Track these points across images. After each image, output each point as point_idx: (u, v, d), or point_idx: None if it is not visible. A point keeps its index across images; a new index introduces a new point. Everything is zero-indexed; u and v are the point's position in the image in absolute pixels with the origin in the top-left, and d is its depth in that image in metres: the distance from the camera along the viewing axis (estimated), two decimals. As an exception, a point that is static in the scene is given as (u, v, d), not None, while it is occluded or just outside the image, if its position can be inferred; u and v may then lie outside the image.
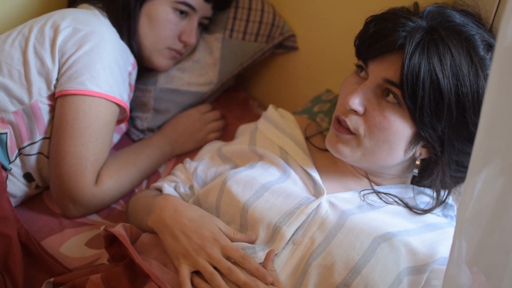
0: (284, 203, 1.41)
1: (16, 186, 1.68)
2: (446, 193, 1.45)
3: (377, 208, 1.42)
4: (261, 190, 1.44)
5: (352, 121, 1.37)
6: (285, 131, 1.63)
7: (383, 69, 1.34)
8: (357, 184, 1.50)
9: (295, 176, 1.50)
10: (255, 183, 1.46)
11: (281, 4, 2.09)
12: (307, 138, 1.64)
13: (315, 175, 1.48)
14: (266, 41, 2.07)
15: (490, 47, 1.33)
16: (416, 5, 1.42)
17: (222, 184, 1.48)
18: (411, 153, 1.38)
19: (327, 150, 1.56)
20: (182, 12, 1.86)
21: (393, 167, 1.43)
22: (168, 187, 1.61)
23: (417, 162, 1.41)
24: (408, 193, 1.48)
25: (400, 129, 1.33)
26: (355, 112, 1.36)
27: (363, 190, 1.46)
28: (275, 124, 1.66)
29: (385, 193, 1.45)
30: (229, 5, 2.06)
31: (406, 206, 1.43)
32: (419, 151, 1.39)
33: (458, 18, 1.34)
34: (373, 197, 1.45)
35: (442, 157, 1.36)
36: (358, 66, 1.43)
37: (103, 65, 1.64)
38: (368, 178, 1.49)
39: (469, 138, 1.33)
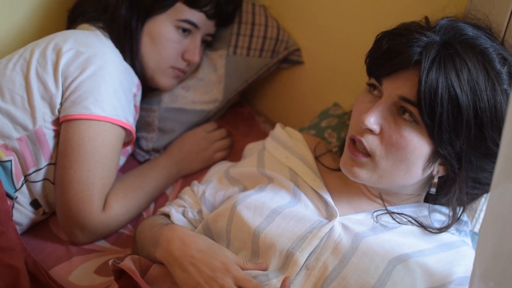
0: (296, 227, 1.39)
1: (23, 214, 1.65)
2: (461, 210, 1.42)
3: (391, 229, 1.40)
4: (272, 215, 1.41)
5: (369, 141, 1.35)
6: (294, 151, 1.61)
7: (398, 87, 1.31)
8: (369, 204, 1.48)
9: (306, 199, 1.47)
10: (265, 207, 1.43)
11: (285, 18, 2.07)
12: (316, 158, 1.61)
13: (327, 197, 1.46)
14: (271, 56, 2.05)
15: (505, 60, 1.31)
16: (427, 19, 1.40)
17: (232, 209, 1.46)
18: (429, 171, 1.35)
19: (337, 170, 1.54)
20: (185, 30, 1.84)
21: (410, 187, 1.41)
22: (176, 213, 1.59)
23: (435, 180, 1.38)
24: (422, 211, 1.45)
25: (418, 147, 1.31)
26: (370, 131, 1.34)
27: (376, 211, 1.43)
28: (283, 144, 1.64)
29: (398, 213, 1.42)
30: (232, 21, 2.04)
31: (421, 225, 1.41)
32: (437, 169, 1.36)
33: (470, 31, 1.32)
34: (387, 218, 1.42)
35: (460, 174, 1.33)
36: (370, 84, 1.40)
37: (107, 88, 1.61)
38: (381, 198, 1.46)
39: (487, 154, 1.31)
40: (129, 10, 1.80)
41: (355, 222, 1.40)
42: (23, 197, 1.64)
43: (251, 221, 1.41)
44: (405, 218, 1.41)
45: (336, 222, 1.38)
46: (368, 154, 1.35)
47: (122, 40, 1.79)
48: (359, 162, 1.37)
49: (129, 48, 1.79)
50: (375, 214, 1.42)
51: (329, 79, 2.00)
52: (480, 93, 1.25)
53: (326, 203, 1.45)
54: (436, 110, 1.25)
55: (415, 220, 1.41)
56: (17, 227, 1.60)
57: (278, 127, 1.71)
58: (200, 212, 1.59)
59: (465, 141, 1.28)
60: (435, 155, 1.32)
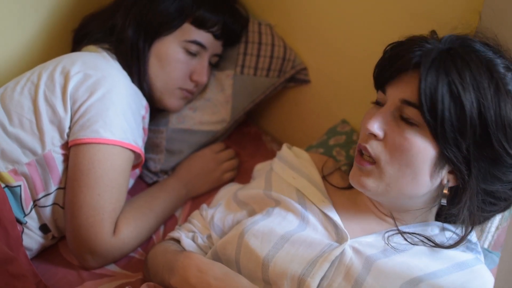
0: (306, 252, 1.37)
1: (32, 239, 1.64)
2: (470, 228, 1.39)
3: (402, 250, 1.37)
4: (281, 241, 1.39)
5: (373, 147, 1.34)
6: (301, 171, 1.59)
7: (400, 91, 1.32)
8: (380, 225, 1.45)
9: (314, 221, 1.45)
10: (273, 234, 1.41)
11: (291, 37, 2.06)
12: (324, 177, 1.60)
13: (336, 219, 1.44)
14: (278, 75, 2.04)
15: (510, 69, 1.30)
16: (433, 32, 1.40)
17: (240, 237, 1.44)
18: (438, 179, 1.33)
19: (345, 189, 1.53)
20: (192, 51, 1.83)
21: (420, 198, 1.38)
22: (186, 239, 1.58)
23: (445, 191, 1.35)
24: (434, 230, 1.43)
25: (423, 149, 1.29)
26: (375, 137, 1.34)
27: (387, 232, 1.41)
28: (290, 165, 1.62)
29: (410, 233, 1.40)
30: (239, 41, 2.03)
31: (434, 243, 1.38)
32: (446, 178, 1.33)
33: (478, 45, 1.32)
34: (398, 238, 1.40)
35: (470, 182, 1.30)
36: (376, 103, 1.41)
37: (116, 111, 1.60)
38: (392, 217, 1.44)
39: (495, 160, 1.28)
40: (136, 32, 1.80)
41: (366, 244, 1.38)
42: (32, 222, 1.63)
43: (259, 250, 1.39)
44: (417, 238, 1.39)
45: (347, 246, 1.36)
46: (373, 162, 1.35)
47: (130, 61, 1.78)
48: (366, 171, 1.36)
49: (136, 70, 1.79)
50: (386, 235, 1.40)
51: (336, 97, 2.00)
52: (483, 91, 1.24)
53: (335, 225, 1.43)
54: (438, 108, 1.24)
55: (428, 239, 1.38)
56: (27, 252, 1.59)
57: (285, 148, 1.70)
58: (209, 237, 1.58)
59: (471, 142, 1.26)
60: (441, 160, 1.30)
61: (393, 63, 1.34)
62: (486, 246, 1.55)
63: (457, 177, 1.32)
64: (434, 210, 1.45)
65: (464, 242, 1.39)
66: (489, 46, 1.35)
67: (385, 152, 1.33)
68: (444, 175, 1.33)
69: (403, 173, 1.32)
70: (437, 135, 1.27)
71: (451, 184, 1.34)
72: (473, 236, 1.44)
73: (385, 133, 1.33)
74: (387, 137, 1.33)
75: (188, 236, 1.59)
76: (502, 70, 1.29)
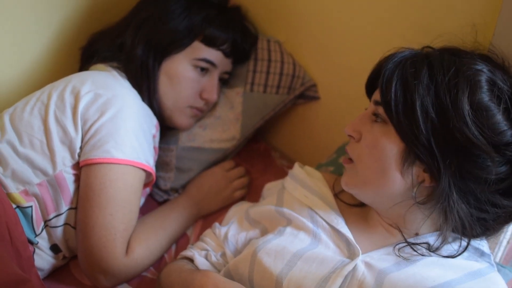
0: (318, 269, 1.37)
1: (43, 259, 1.63)
2: (477, 238, 1.40)
3: (414, 262, 1.36)
4: (294, 259, 1.40)
5: (352, 148, 1.43)
6: (313, 190, 1.59)
7: (376, 95, 1.39)
8: (389, 239, 1.45)
9: (326, 239, 1.45)
10: (286, 252, 1.41)
11: (300, 53, 2.06)
12: (335, 195, 1.60)
13: (348, 234, 1.44)
14: (288, 92, 2.04)
15: (488, 70, 1.31)
16: (426, 47, 1.43)
17: (252, 255, 1.44)
18: (409, 176, 1.33)
19: (357, 205, 1.54)
20: (202, 69, 1.83)
21: (398, 196, 1.37)
22: (199, 257, 1.57)
23: (415, 188, 1.34)
24: (439, 239, 1.40)
25: (387, 144, 1.33)
26: (354, 139, 1.42)
27: (397, 245, 1.40)
28: (302, 183, 1.62)
29: (419, 244, 1.39)
30: (249, 58, 2.03)
31: (438, 254, 1.37)
32: (422, 177, 1.33)
33: (464, 52, 1.36)
34: (409, 250, 1.39)
35: (442, 178, 1.28)
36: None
37: (127, 130, 1.60)
38: (399, 230, 1.43)
39: (461, 151, 1.27)
40: (145, 50, 1.80)
41: (377, 259, 1.38)
42: (43, 242, 1.62)
43: (273, 268, 1.39)
44: (425, 248, 1.38)
45: (359, 261, 1.36)
46: (351, 161, 1.43)
47: (139, 80, 1.78)
48: (347, 171, 1.45)
49: (146, 88, 1.79)
50: (396, 247, 1.40)
51: (346, 114, 1.98)
52: (438, 80, 1.28)
53: (347, 241, 1.43)
54: (391, 100, 1.30)
55: (430, 247, 1.37)
56: (39, 273, 1.58)
57: (297, 167, 1.70)
58: (223, 255, 1.58)
59: (431, 134, 1.27)
60: (409, 156, 1.31)
61: (372, 73, 1.45)
62: (497, 260, 1.54)
63: (431, 175, 1.32)
64: (438, 219, 1.41)
65: (463, 250, 1.36)
66: (485, 57, 1.36)
67: (359, 151, 1.40)
68: (416, 173, 1.33)
69: (373, 169, 1.36)
70: (396, 128, 1.31)
71: (427, 183, 1.33)
72: (485, 248, 1.43)
73: (361, 135, 1.40)
74: (362, 138, 1.40)
75: (201, 254, 1.59)
76: (477, 67, 1.29)
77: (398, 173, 1.33)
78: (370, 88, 1.49)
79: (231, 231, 1.61)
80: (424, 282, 1.30)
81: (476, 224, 1.35)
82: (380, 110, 1.35)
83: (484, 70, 1.30)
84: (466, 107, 1.24)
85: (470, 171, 1.28)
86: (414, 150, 1.29)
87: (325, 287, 1.32)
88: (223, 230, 1.62)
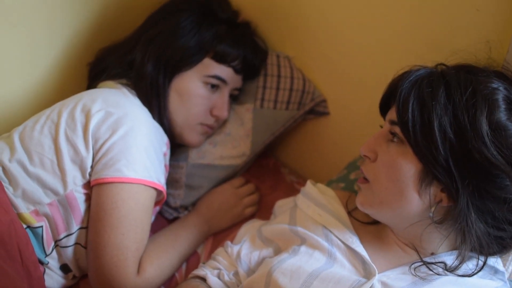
0: None
1: (54, 279, 1.62)
2: (492, 257, 1.38)
3: (431, 281, 1.35)
4: (310, 279, 1.38)
5: (367, 168, 1.41)
6: (327, 208, 1.58)
7: (391, 114, 1.38)
8: (405, 258, 1.44)
9: (341, 258, 1.44)
10: (302, 272, 1.40)
11: (310, 69, 2.05)
12: (349, 213, 1.58)
13: (364, 254, 1.42)
14: (298, 108, 2.04)
15: (504, 88, 1.30)
16: (440, 65, 1.42)
17: (268, 276, 1.42)
18: (427, 196, 1.31)
19: (371, 223, 1.52)
20: (213, 86, 1.82)
21: (415, 217, 1.35)
22: (212, 277, 1.55)
23: (433, 208, 1.33)
24: (455, 258, 1.38)
25: (404, 164, 1.31)
26: (369, 159, 1.40)
27: (413, 264, 1.39)
28: (315, 201, 1.61)
29: (435, 263, 1.37)
30: (259, 74, 2.03)
31: (454, 273, 1.35)
32: (439, 197, 1.31)
33: (479, 70, 1.34)
34: (425, 270, 1.38)
35: (460, 198, 1.27)
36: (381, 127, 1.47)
37: (138, 149, 1.59)
38: (415, 249, 1.42)
39: (480, 171, 1.25)
40: (155, 67, 1.78)
41: (394, 278, 1.37)
42: (53, 262, 1.61)
43: None
44: (441, 268, 1.37)
45: (376, 280, 1.35)
46: (367, 181, 1.41)
47: (150, 97, 1.77)
48: (364, 191, 1.43)
49: (157, 106, 1.77)
50: (412, 267, 1.38)
51: (356, 130, 1.99)
52: (456, 100, 1.26)
53: (363, 260, 1.42)
54: (408, 121, 1.29)
55: (446, 266, 1.36)
56: (49, 293, 1.57)
57: (309, 184, 1.68)
58: (236, 274, 1.56)
59: (449, 155, 1.26)
60: (427, 175, 1.30)
61: (387, 91, 1.43)
62: (507, 276, 1.53)
63: (449, 195, 1.30)
64: (453, 238, 1.40)
65: (480, 269, 1.35)
66: (499, 74, 1.35)
67: (375, 171, 1.38)
68: (434, 193, 1.31)
69: (390, 189, 1.34)
70: (414, 149, 1.29)
71: (444, 203, 1.32)
72: (500, 265, 1.41)
73: (377, 155, 1.39)
74: (378, 157, 1.38)
75: (213, 273, 1.57)
76: (493, 85, 1.28)
77: (415, 193, 1.32)
78: (384, 107, 1.47)
79: (244, 250, 1.59)
80: None
81: (493, 242, 1.34)
82: (397, 129, 1.33)
83: (501, 88, 1.29)
84: (485, 127, 1.23)
85: (488, 191, 1.27)
86: (432, 171, 1.28)
87: None
88: (235, 248, 1.61)
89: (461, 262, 1.34)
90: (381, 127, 1.45)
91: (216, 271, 1.58)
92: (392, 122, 1.36)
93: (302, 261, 1.43)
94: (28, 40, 1.88)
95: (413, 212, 1.35)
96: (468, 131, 1.24)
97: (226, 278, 1.55)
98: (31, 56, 1.91)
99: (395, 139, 1.35)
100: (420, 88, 1.30)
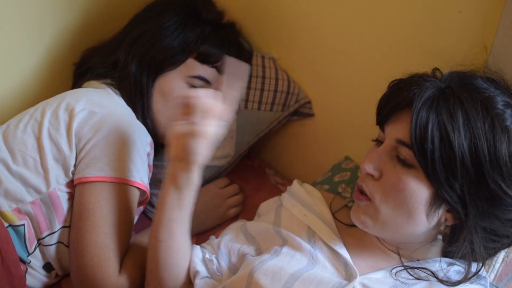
0: None
1: (36, 278, 1.62)
2: (478, 265, 1.38)
3: (412, 285, 1.36)
4: (291, 280, 1.38)
5: (369, 186, 1.36)
6: (312, 209, 1.58)
7: (397, 130, 1.33)
8: (387, 261, 1.45)
9: (323, 260, 1.44)
10: (283, 273, 1.39)
11: (294, 70, 2.06)
12: (333, 215, 1.59)
13: (346, 256, 1.43)
14: (282, 109, 2.05)
15: (510, 106, 1.29)
16: (435, 70, 1.41)
17: (249, 276, 1.42)
18: (435, 219, 1.32)
19: (353, 226, 1.52)
20: (196, 87, 1.82)
21: (420, 236, 1.37)
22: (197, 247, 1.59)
23: (441, 228, 1.34)
24: (441, 265, 1.41)
25: (416, 190, 1.29)
26: (372, 177, 1.35)
27: (394, 268, 1.40)
28: (302, 201, 1.61)
29: (416, 268, 1.39)
30: None
31: (439, 280, 1.36)
32: (444, 217, 1.33)
33: (479, 82, 1.32)
34: (406, 274, 1.39)
35: (467, 221, 1.29)
36: (376, 140, 1.42)
37: (121, 149, 1.59)
38: (398, 254, 1.44)
39: (492, 198, 1.27)
40: (139, 67, 1.79)
41: (375, 281, 1.37)
42: (36, 261, 1.61)
43: None
44: (423, 273, 1.38)
45: (356, 283, 1.36)
46: (368, 198, 1.37)
47: (133, 97, 1.77)
48: (363, 208, 1.38)
49: (140, 106, 1.78)
50: (394, 271, 1.39)
51: (340, 132, 2.00)
52: (476, 131, 1.24)
53: (345, 262, 1.42)
54: (427, 148, 1.25)
55: (433, 274, 1.37)
56: (30, 292, 1.57)
57: (296, 184, 1.69)
58: (217, 259, 1.57)
59: (465, 182, 1.25)
60: (437, 200, 1.29)
61: (390, 102, 1.36)
62: (491, 280, 1.54)
63: (455, 216, 1.32)
64: (440, 246, 1.43)
65: (469, 278, 1.37)
66: (493, 81, 1.35)
67: (380, 192, 1.34)
68: (441, 214, 1.32)
69: (398, 212, 1.32)
70: (429, 175, 1.27)
71: (449, 222, 1.34)
72: (482, 271, 1.42)
73: (381, 173, 1.35)
74: (383, 177, 1.34)
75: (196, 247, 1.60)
76: (500, 107, 1.28)
77: (424, 216, 1.31)
78: (383, 117, 1.40)
79: (224, 241, 1.60)
80: None
81: (484, 252, 1.37)
82: (405, 152, 1.30)
83: (510, 111, 1.29)
84: (504, 158, 1.24)
85: (496, 214, 1.29)
86: (445, 196, 1.27)
87: None
88: (216, 240, 1.62)
89: (466, 275, 1.36)
90: (378, 141, 1.42)
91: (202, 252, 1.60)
92: (400, 142, 1.32)
93: (284, 262, 1.43)
94: (13, 40, 1.88)
95: (416, 232, 1.35)
96: (487, 162, 1.24)
97: (207, 256, 1.57)
98: (16, 56, 1.92)
99: (405, 162, 1.31)
100: (438, 112, 1.26)
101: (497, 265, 1.53)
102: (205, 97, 1.38)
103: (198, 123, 1.37)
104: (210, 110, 1.39)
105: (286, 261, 1.43)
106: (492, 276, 1.54)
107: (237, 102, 1.44)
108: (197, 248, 1.59)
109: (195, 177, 1.47)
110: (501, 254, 1.52)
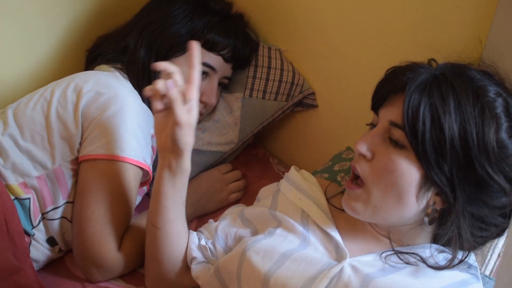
0: (306, 269, 1.38)
1: (39, 251, 1.67)
2: (465, 253, 1.40)
3: (400, 269, 1.38)
4: (282, 258, 1.41)
5: (362, 167, 1.38)
6: (307, 194, 1.61)
7: (390, 113, 1.36)
8: (377, 245, 1.47)
9: (315, 241, 1.47)
10: (275, 252, 1.43)
11: (300, 62, 2.09)
12: (328, 200, 1.61)
13: (338, 237, 1.45)
14: (286, 99, 2.07)
15: (501, 95, 1.31)
16: (431, 60, 1.44)
17: (242, 254, 1.46)
18: (424, 201, 1.34)
19: None
20: (202, 73, 1.87)
21: (409, 219, 1.39)
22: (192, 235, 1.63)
23: (429, 210, 1.35)
24: (431, 251, 1.43)
25: (406, 171, 1.31)
26: (364, 157, 1.38)
27: (384, 252, 1.43)
28: (297, 186, 1.64)
29: (406, 253, 1.41)
30: (249, 64, 2.07)
31: (427, 265, 1.38)
32: (433, 199, 1.34)
33: (472, 72, 1.35)
34: (396, 258, 1.41)
35: (455, 204, 1.31)
36: (370, 124, 1.45)
37: (126, 129, 1.63)
38: (389, 238, 1.46)
39: (479, 183, 1.29)
40: (147, 53, 1.84)
41: (364, 263, 1.39)
42: (40, 234, 1.66)
43: (261, 266, 1.41)
44: (413, 258, 1.40)
45: (346, 264, 1.38)
46: (361, 184, 1.39)
47: (141, 81, 1.82)
48: (355, 196, 1.40)
49: None
50: (383, 255, 1.42)
51: (342, 124, 2.02)
52: (466, 115, 1.26)
53: (336, 244, 1.45)
54: (418, 129, 1.26)
55: (422, 259, 1.39)
56: (34, 264, 1.61)
57: (293, 170, 1.71)
58: (214, 244, 1.61)
59: (453, 165, 1.27)
60: (427, 182, 1.31)
61: (385, 86, 1.39)
62: (487, 273, 1.56)
63: (443, 199, 1.33)
64: (430, 232, 1.44)
65: (457, 264, 1.38)
66: (486, 74, 1.37)
67: (372, 173, 1.36)
68: (430, 197, 1.34)
69: (389, 194, 1.34)
70: (420, 156, 1.29)
71: (438, 206, 1.35)
72: (472, 260, 1.44)
73: (373, 154, 1.37)
74: (375, 158, 1.36)
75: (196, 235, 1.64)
76: (492, 95, 1.30)
77: (413, 198, 1.33)
78: (378, 101, 1.42)
79: (222, 225, 1.63)
80: None
81: (476, 241, 1.39)
82: (398, 133, 1.32)
83: (500, 99, 1.31)
84: (492, 144, 1.26)
85: (483, 200, 1.31)
86: (434, 178, 1.29)
87: (311, 287, 1.34)
88: (214, 224, 1.66)
89: (452, 260, 1.37)
90: (372, 125, 1.45)
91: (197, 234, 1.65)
92: (393, 124, 1.34)
93: (276, 242, 1.46)
94: (28, 26, 1.95)
95: (406, 215, 1.37)
96: (475, 146, 1.26)
97: (202, 242, 1.61)
98: (30, 41, 1.98)
99: (397, 143, 1.33)
100: (430, 95, 1.28)
101: (494, 257, 1.55)
102: (171, 87, 1.43)
103: (177, 114, 1.42)
104: (181, 98, 1.44)
105: (279, 242, 1.46)
106: (489, 269, 1.55)
107: (199, 78, 1.48)
108: (193, 235, 1.63)
109: (186, 163, 1.53)
110: (498, 249, 1.54)
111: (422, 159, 1.29)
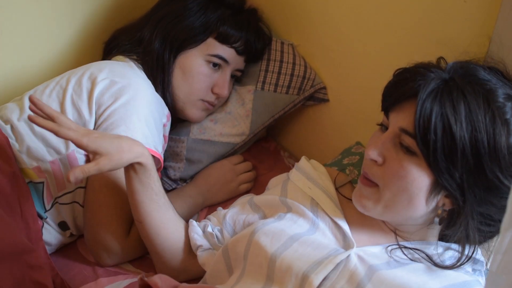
0: (312, 253, 1.40)
1: (51, 234, 1.70)
2: (472, 248, 1.41)
3: (404, 265, 1.40)
4: (290, 241, 1.43)
5: (373, 172, 1.40)
6: (317, 183, 1.63)
7: (401, 119, 1.36)
8: (385, 238, 1.49)
9: (324, 228, 1.49)
10: (283, 234, 1.45)
11: (312, 57, 2.12)
12: (337, 189, 1.64)
13: (346, 227, 1.48)
14: (298, 93, 2.09)
15: (509, 99, 1.32)
16: (440, 59, 1.44)
17: (250, 236, 1.48)
18: (433, 204, 1.36)
19: None
20: (215, 65, 1.90)
21: (418, 219, 1.41)
22: (195, 226, 1.65)
23: (439, 212, 1.38)
24: (437, 249, 1.45)
25: (417, 177, 1.32)
26: (375, 162, 1.39)
27: (390, 245, 1.45)
28: (307, 175, 1.66)
29: (412, 249, 1.43)
30: (261, 58, 2.09)
31: (432, 263, 1.41)
32: (442, 201, 1.36)
33: (481, 73, 1.35)
34: (401, 253, 1.43)
35: (465, 207, 1.33)
36: (381, 125, 1.46)
37: (138, 117, 1.67)
38: (395, 233, 1.48)
39: (490, 187, 1.30)
40: (162, 44, 1.87)
41: (370, 254, 1.41)
42: (52, 218, 1.69)
43: (268, 247, 1.43)
44: (418, 254, 1.42)
45: (352, 253, 1.40)
46: (373, 185, 1.40)
47: (155, 72, 1.86)
48: (366, 194, 1.42)
49: (161, 80, 1.86)
50: (389, 248, 1.44)
51: (353, 118, 2.03)
52: (477, 124, 1.26)
53: (344, 233, 1.47)
54: (430, 138, 1.27)
55: (428, 257, 1.41)
56: (46, 247, 1.65)
57: (304, 159, 1.74)
58: (221, 231, 1.64)
59: (464, 171, 1.29)
60: (437, 187, 1.33)
61: (396, 91, 1.39)
62: (494, 270, 1.57)
63: (452, 201, 1.35)
64: (437, 229, 1.47)
65: (464, 262, 1.40)
66: (495, 72, 1.38)
67: (384, 177, 1.37)
68: (440, 199, 1.35)
69: (399, 197, 1.36)
70: (431, 164, 1.30)
71: (447, 207, 1.37)
72: (479, 255, 1.46)
73: (384, 159, 1.38)
74: (386, 163, 1.37)
75: (200, 225, 1.66)
76: (501, 100, 1.30)
77: (423, 201, 1.35)
78: (388, 104, 1.43)
79: (230, 212, 1.66)
80: (409, 285, 1.34)
81: (479, 235, 1.40)
82: (408, 140, 1.33)
83: (510, 105, 1.32)
84: (503, 151, 1.27)
85: (492, 202, 1.33)
86: (445, 184, 1.31)
87: (316, 270, 1.35)
88: (223, 211, 1.69)
89: (460, 259, 1.39)
90: (382, 125, 1.46)
91: (202, 223, 1.67)
92: (403, 131, 1.34)
93: (286, 225, 1.48)
94: (48, 17, 2.01)
95: (415, 216, 1.39)
96: (486, 154, 1.27)
97: (209, 229, 1.63)
98: (51, 33, 2.04)
99: (408, 149, 1.34)
100: (441, 104, 1.28)
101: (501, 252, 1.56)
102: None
103: (96, 162, 1.45)
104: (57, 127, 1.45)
105: (288, 225, 1.49)
106: (496, 265, 1.56)
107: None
108: (195, 226, 1.66)
109: (144, 162, 1.54)
110: (505, 244, 1.55)
111: (433, 167, 1.30)
